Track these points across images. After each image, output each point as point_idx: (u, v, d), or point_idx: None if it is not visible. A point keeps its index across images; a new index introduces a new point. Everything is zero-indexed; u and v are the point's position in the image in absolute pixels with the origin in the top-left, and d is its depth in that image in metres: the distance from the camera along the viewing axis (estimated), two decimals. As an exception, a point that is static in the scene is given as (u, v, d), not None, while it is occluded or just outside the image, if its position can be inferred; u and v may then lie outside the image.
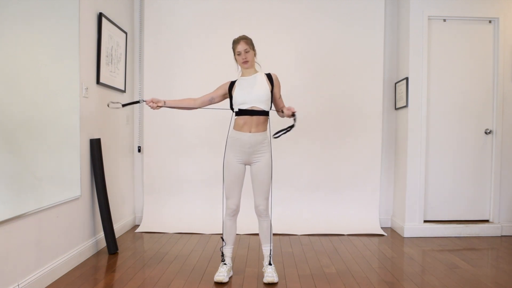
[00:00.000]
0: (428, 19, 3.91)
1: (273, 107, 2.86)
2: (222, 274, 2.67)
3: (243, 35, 2.72)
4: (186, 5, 4.17)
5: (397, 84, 4.17)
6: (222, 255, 2.78)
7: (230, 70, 4.20)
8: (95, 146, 3.20)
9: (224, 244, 2.77)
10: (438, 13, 3.89)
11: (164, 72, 4.20)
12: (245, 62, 2.68)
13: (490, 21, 3.94)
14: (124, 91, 3.90)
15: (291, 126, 2.56)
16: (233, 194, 2.71)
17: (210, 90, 4.22)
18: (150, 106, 2.69)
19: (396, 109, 4.22)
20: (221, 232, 3.89)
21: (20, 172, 2.31)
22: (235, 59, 2.75)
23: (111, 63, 3.56)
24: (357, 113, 4.20)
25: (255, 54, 2.74)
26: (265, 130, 2.69)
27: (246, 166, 2.73)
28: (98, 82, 3.30)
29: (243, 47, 2.66)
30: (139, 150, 4.29)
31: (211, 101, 2.80)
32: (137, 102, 2.89)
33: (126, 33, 3.90)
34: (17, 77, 2.28)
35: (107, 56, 3.46)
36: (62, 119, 2.75)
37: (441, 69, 3.95)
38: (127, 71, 4.04)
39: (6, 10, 2.18)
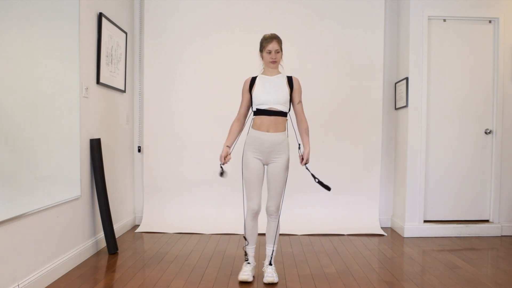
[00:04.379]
0: (428, 19, 3.91)
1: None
2: (247, 273, 2.66)
3: (275, 34, 2.64)
4: (186, 5, 4.17)
5: (397, 84, 4.17)
6: (246, 254, 2.76)
7: (230, 69, 4.22)
8: (95, 146, 3.20)
9: (246, 243, 2.75)
10: (438, 13, 3.89)
11: (164, 72, 4.20)
12: (274, 62, 2.63)
13: (490, 21, 3.94)
14: (124, 91, 3.90)
15: (327, 188, 2.66)
16: (254, 195, 2.66)
17: (209, 90, 4.25)
18: (229, 159, 2.65)
19: (396, 109, 4.22)
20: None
21: (20, 172, 2.31)
22: (261, 56, 2.67)
23: (111, 63, 3.56)
24: (357, 113, 4.20)
25: (281, 56, 2.68)
26: (284, 130, 2.66)
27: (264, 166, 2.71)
28: (98, 82, 3.30)
29: (275, 47, 2.60)
30: (139, 150, 4.29)
31: (248, 109, 2.75)
32: (221, 165, 2.69)
33: (126, 33, 3.90)
34: (17, 77, 2.28)
35: (107, 56, 3.46)
36: (62, 119, 2.75)
37: (441, 69, 3.95)
38: (127, 71, 4.04)
39: (6, 10, 2.18)
